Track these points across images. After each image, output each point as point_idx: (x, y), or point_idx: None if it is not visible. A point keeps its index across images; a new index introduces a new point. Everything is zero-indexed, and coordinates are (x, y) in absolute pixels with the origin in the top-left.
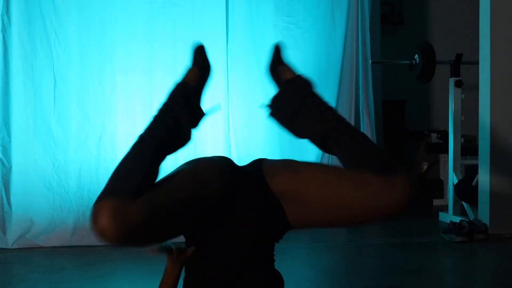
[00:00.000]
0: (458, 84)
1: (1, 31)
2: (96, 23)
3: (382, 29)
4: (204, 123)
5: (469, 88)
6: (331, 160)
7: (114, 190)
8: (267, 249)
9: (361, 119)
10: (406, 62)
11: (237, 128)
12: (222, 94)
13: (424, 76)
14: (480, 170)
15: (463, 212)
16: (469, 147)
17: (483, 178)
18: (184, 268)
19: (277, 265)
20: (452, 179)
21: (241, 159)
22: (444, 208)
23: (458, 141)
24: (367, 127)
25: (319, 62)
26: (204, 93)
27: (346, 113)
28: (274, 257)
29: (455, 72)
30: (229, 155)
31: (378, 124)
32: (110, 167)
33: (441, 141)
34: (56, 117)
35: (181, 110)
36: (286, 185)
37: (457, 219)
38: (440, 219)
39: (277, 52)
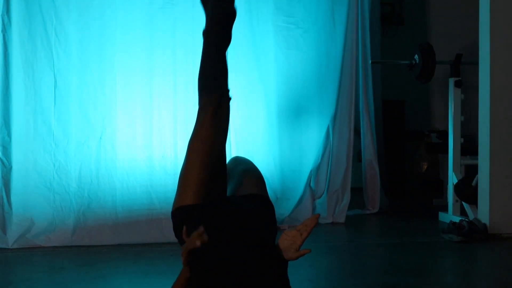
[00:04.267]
0: (458, 84)
1: (1, 31)
2: (96, 23)
3: (382, 29)
4: None
5: (469, 88)
6: (331, 157)
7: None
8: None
9: (361, 119)
10: (406, 62)
11: (237, 128)
12: None
13: (424, 76)
14: (479, 170)
15: (463, 212)
16: (469, 147)
17: (483, 178)
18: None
19: None
20: (452, 179)
21: None
22: (444, 208)
23: (458, 141)
24: (367, 127)
25: (319, 62)
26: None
27: (346, 113)
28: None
29: (455, 72)
30: (229, 155)
31: (378, 124)
32: (110, 167)
33: (441, 141)
34: (56, 117)
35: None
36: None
37: (457, 219)
38: (440, 219)
39: None
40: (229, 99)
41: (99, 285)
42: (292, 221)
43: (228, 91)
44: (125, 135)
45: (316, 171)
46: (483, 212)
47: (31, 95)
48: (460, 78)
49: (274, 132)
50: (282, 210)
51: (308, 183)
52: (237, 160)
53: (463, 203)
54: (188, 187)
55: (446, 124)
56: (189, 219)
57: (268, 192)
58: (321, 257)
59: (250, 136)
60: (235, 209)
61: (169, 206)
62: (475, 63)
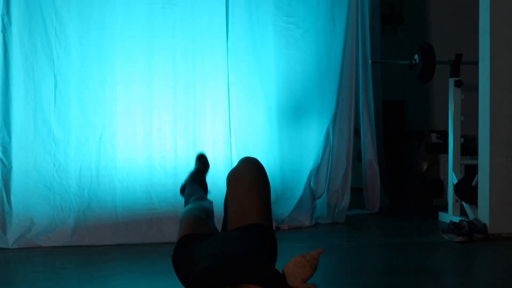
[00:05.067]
0: (458, 84)
1: (2, 31)
2: (96, 23)
3: (382, 29)
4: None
5: (469, 88)
6: (331, 157)
7: None
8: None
9: (361, 119)
10: (406, 62)
11: (237, 128)
12: (222, 94)
13: (424, 76)
14: (480, 170)
15: (463, 212)
16: (469, 147)
17: (483, 178)
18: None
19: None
20: (452, 179)
21: None
22: (444, 208)
23: (458, 141)
24: (367, 127)
25: (319, 62)
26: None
27: (346, 113)
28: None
29: (455, 72)
30: (230, 155)
31: (378, 124)
32: (110, 167)
33: (441, 141)
34: (56, 117)
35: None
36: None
37: (457, 219)
38: (440, 219)
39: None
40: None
41: (99, 285)
42: (292, 221)
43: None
44: (125, 135)
45: (316, 171)
46: (483, 212)
47: (31, 95)
48: (460, 78)
49: (274, 132)
50: (282, 210)
51: (308, 183)
52: (246, 165)
53: (463, 203)
54: (184, 229)
55: (446, 124)
56: (186, 247)
57: None
58: (321, 257)
59: (250, 136)
60: (230, 241)
61: (169, 206)
62: (475, 63)
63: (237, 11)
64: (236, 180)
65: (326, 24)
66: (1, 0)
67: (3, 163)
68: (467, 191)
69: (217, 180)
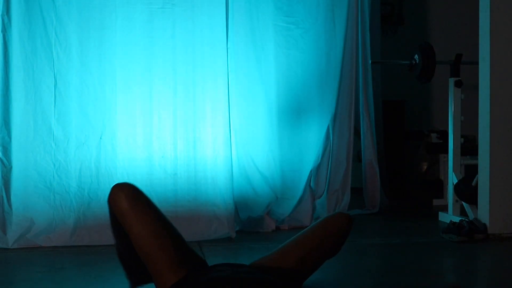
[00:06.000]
0: (458, 84)
1: (1, 31)
2: (96, 23)
3: (382, 29)
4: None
5: (469, 88)
6: (331, 157)
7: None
8: None
9: (361, 119)
10: (406, 62)
11: (237, 128)
12: (222, 94)
13: (424, 76)
14: (479, 170)
15: (463, 212)
16: (469, 147)
17: (483, 178)
18: None
19: None
20: (452, 179)
21: (241, 159)
22: (444, 208)
23: (458, 141)
24: (367, 127)
25: (319, 62)
26: None
27: (346, 113)
28: None
29: (455, 72)
30: (229, 155)
31: (378, 124)
32: (110, 167)
33: (441, 141)
34: (56, 117)
35: None
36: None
37: (457, 219)
38: (440, 219)
39: None
40: None
41: (99, 285)
42: (292, 221)
43: None
44: (125, 135)
45: (316, 171)
46: (483, 212)
47: (31, 95)
48: (460, 78)
49: (274, 132)
50: (282, 210)
51: (308, 183)
52: (342, 225)
53: (463, 203)
54: (163, 266)
55: (446, 124)
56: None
57: (268, 192)
58: None
59: (250, 136)
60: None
61: (168, 206)
62: (475, 63)
63: (237, 11)
64: (320, 232)
65: (326, 24)
66: (1, 0)
67: (3, 163)
68: (467, 191)
69: (216, 180)
